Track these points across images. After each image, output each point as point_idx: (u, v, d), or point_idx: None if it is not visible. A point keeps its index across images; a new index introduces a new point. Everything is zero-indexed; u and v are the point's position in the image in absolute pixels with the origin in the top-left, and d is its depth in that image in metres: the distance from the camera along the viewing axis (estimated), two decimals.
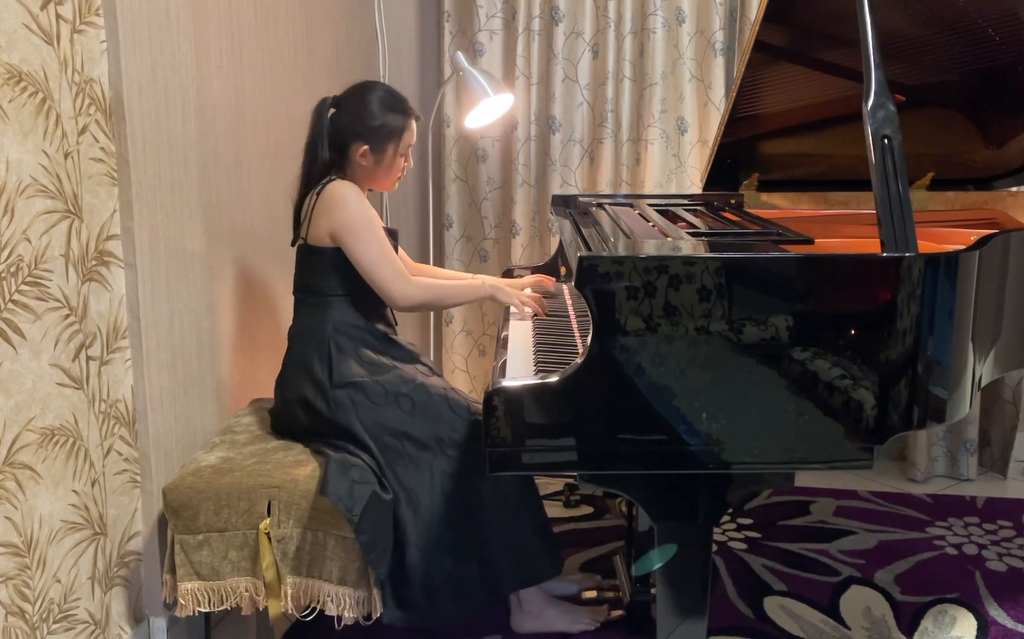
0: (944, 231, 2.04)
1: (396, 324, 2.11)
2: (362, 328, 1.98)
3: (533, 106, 3.19)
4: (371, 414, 1.90)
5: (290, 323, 2.04)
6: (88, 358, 1.77)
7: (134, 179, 1.83)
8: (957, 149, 2.42)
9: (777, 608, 2.22)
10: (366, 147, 1.99)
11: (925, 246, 1.59)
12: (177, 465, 1.97)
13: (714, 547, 2.40)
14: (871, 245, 1.56)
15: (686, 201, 2.57)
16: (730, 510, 2.74)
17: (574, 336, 1.90)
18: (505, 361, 1.73)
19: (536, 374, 1.59)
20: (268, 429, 2.06)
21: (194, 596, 1.81)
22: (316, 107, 2.00)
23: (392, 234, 2.05)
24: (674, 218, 2.15)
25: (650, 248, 1.56)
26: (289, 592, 1.81)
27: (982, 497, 2.90)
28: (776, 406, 1.45)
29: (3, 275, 1.55)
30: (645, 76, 3.11)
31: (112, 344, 1.84)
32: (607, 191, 3.16)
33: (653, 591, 1.75)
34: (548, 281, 2.36)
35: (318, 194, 1.95)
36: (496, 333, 3.00)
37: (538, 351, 1.79)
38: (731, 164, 2.55)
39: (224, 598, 1.82)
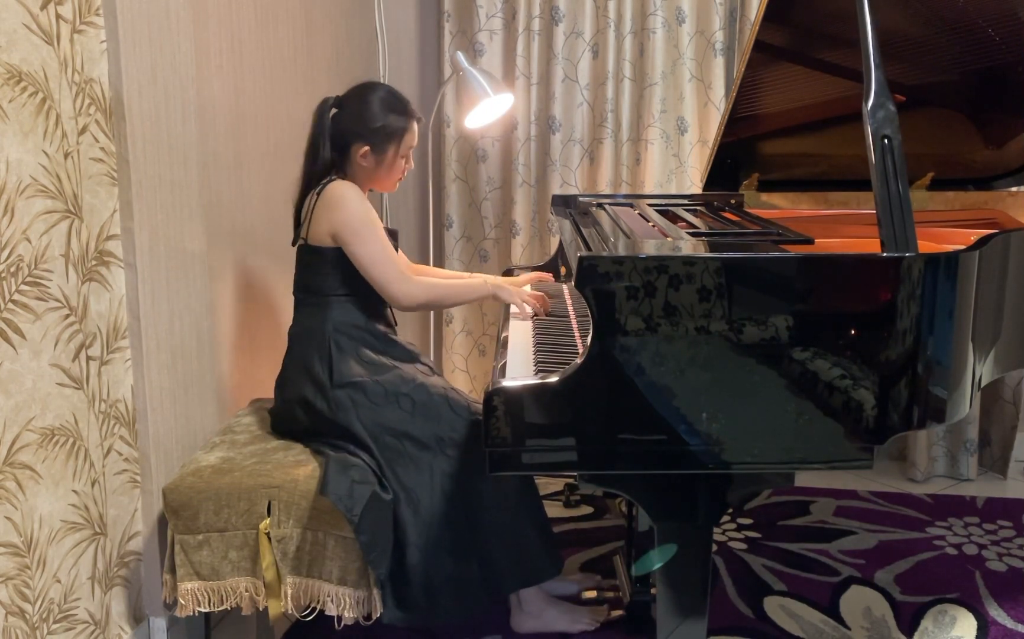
0: (944, 231, 2.04)
1: (396, 324, 2.11)
2: (362, 328, 1.98)
3: (533, 106, 3.19)
4: (371, 414, 1.90)
5: (290, 323, 2.04)
6: (88, 358, 1.77)
7: (134, 179, 1.83)
8: (957, 149, 2.43)
9: (777, 608, 2.22)
10: (367, 148, 1.99)
11: (925, 246, 1.59)
12: (177, 465, 1.97)
13: (714, 547, 2.40)
14: (871, 245, 1.56)
15: (686, 201, 2.57)
16: (730, 510, 2.74)
17: (574, 336, 1.90)
18: (505, 361, 1.73)
19: (536, 374, 1.59)
20: (268, 429, 2.06)
21: (194, 596, 1.81)
22: (318, 107, 2.01)
23: (392, 234, 2.05)
24: (674, 218, 2.15)
25: (650, 248, 1.56)
26: (289, 592, 1.81)
27: (982, 497, 2.90)
28: (776, 406, 1.45)
29: (3, 275, 1.55)
30: (645, 76, 3.11)
31: (112, 344, 1.84)
32: (607, 191, 3.16)
33: (653, 591, 1.75)
34: (547, 279, 2.36)
35: (318, 194, 1.95)
36: (496, 333, 3.00)
37: (538, 351, 1.79)
38: (731, 164, 2.55)
39: (224, 598, 1.82)
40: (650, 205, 2.36)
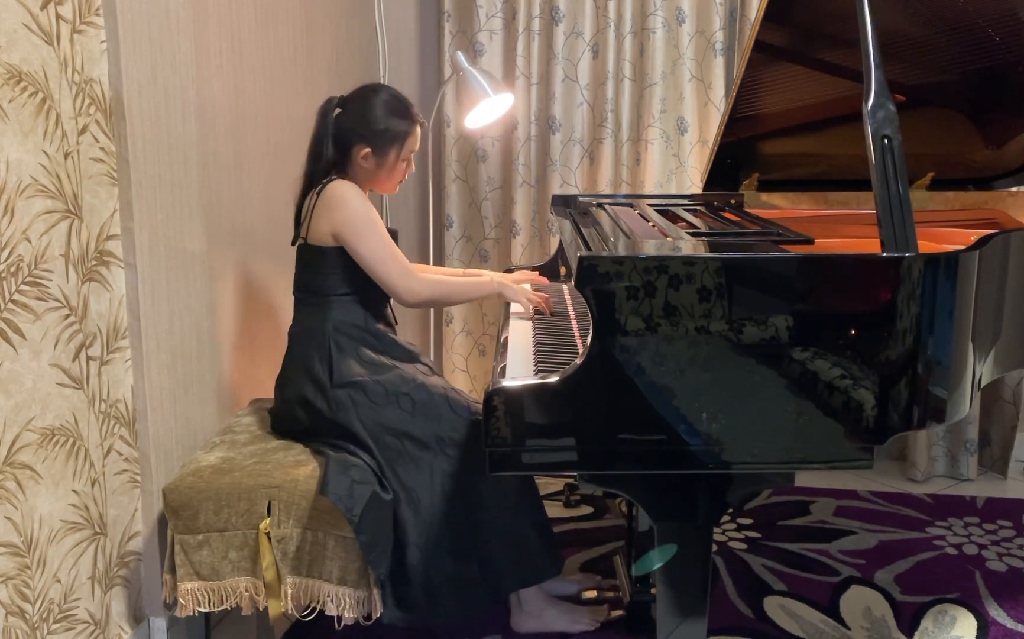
0: (944, 231, 2.04)
1: (396, 324, 2.11)
2: (362, 328, 1.98)
3: (533, 106, 3.19)
4: (371, 414, 1.90)
5: (290, 323, 2.04)
6: (88, 358, 1.77)
7: (134, 179, 1.83)
8: (957, 149, 2.43)
9: (777, 608, 2.22)
10: (368, 150, 1.99)
11: (925, 246, 1.59)
12: (177, 465, 1.97)
13: (714, 547, 2.40)
14: (871, 245, 1.56)
15: (686, 201, 2.57)
16: (730, 510, 2.74)
17: (574, 336, 1.90)
18: (505, 362, 1.73)
19: (536, 374, 1.59)
20: (268, 429, 2.06)
21: (194, 596, 1.81)
22: (322, 106, 2.01)
23: (392, 234, 2.04)
24: (674, 218, 2.15)
25: (650, 248, 1.56)
26: (289, 592, 1.81)
27: (982, 497, 2.90)
28: (776, 406, 1.45)
29: (3, 275, 1.55)
30: (645, 76, 3.11)
31: (112, 344, 1.84)
32: (607, 191, 3.16)
33: (653, 591, 1.75)
34: (542, 281, 2.36)
35: (319, 194, 1.95)
36: (496, 333, 3.00)
37: (538, 351, 1.79)
38: (731, 164, 2.55)
39: (224, 598, 1.82)
40: (650, 205, 2.36)
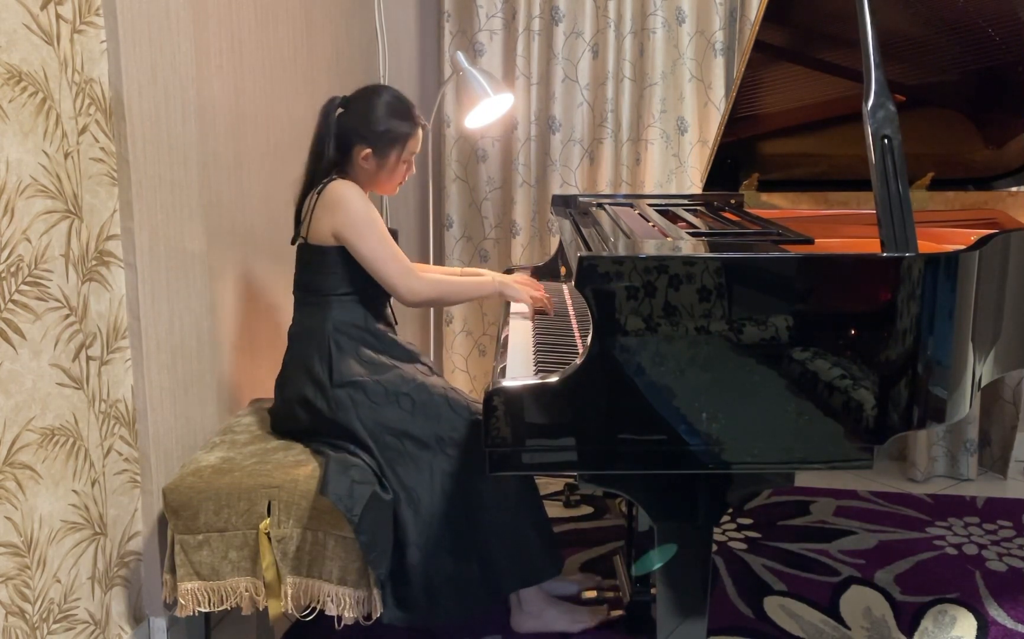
0: (944, 231, 2.04)
1: (396, 324, 2.11)
2: (362, 327, 1.98)
3: (533, 106, 3.19)
4: (371, 413, 1.90)
5: (290, 323, 2.04)
6: (88, 358, 1.77)
7: (134, 179, 1.83)
8: (957, 149, 2.42)
9: (777, 608, 2.22)
10: (369, 151, 1.99)
11: (925, 246, 1.59)
12: (177, 465, 1.97)
13: (714, 547, 2.40)
14: (871, 245, 1.56)
15: (686, 201, 2.57)
16: (730, 510, 2.74)
17: (574, 336, 1.90)
18: (505, 362, 1.73)
19: (536, 374, 1.59)
20: (268, 429, 2.06)
21: (194, 596, 1.81)
22: (324, 106, 2.01)
23: (392, 234, 2.04)
24: (674, 218, 2.15)
25: (650, 248, 1.56)
26: (289, 592, 1.81)
27: (982, 497, 2.90)
28: (776, 406, 1.45)
29: (3, 275, 1.55)
30: (645, 76, 3.11)
31: (112, 344, 1.84)
32: (607, 191, 3.16)
33: (653, 591, 1.75)
34: (537, 284, 2.36)
35: (319, 193, 1.95)
36: (496, 333, 3.00)
37: (538, 351, 1.79)
38: (731, 164, 2.55)
39: (224, 598, 1.82)
40: (650, 205, 2.36)
